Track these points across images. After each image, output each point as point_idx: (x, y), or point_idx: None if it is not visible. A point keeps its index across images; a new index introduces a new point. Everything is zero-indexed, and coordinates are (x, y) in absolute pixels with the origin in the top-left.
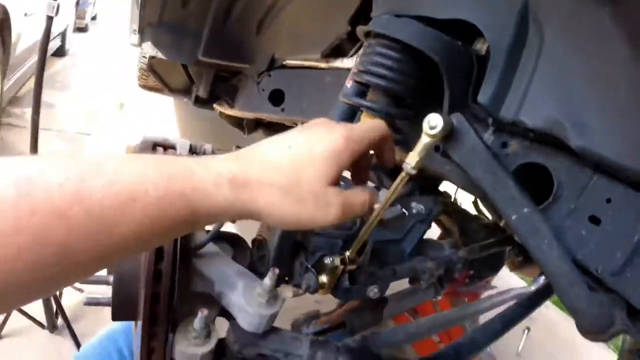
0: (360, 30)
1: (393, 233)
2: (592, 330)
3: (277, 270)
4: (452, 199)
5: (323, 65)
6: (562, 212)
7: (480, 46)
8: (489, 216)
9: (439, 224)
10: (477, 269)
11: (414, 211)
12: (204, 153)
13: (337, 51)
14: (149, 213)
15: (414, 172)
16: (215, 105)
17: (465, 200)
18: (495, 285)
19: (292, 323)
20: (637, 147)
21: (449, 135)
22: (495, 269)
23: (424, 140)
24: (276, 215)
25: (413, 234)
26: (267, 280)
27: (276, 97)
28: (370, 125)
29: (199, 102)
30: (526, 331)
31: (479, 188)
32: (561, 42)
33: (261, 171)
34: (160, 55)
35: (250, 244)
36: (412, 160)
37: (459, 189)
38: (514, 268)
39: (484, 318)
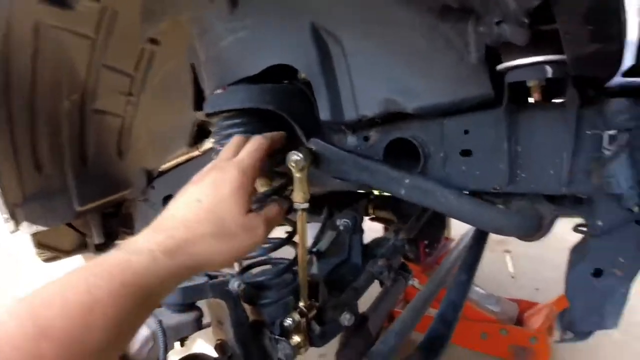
0: (201, 115)
1: (338, 257)
2: (529, 233)
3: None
4: (376, 192)
5: (196, 153)
6: (437, 164)
7: (304, 74)
8: None
9: (377, 220)
10: (428, 236)
11: (342, 228)
12: None
13: (201, 133)
14: (108, 315)
15: (306, 205)
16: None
17: None
18: (453, 237)
19: None
20: (451, 82)
21: (315, 159)
22: (442, 227)
23: (297, 176)
24: (217, 259)
25: (354, 246)
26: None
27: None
28: (252, 145)
29: (100, 248)
30: (507, 254)
31: (366, 185)
32: (357, 37)
33: (186, 230)
34: (40, 227)
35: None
36: (298, 197)
37: None
38: None
39: None
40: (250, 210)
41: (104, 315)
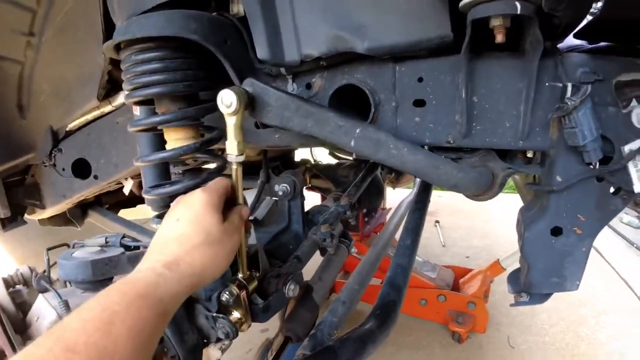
0: (108, 48)
1: (278, 224)
2: (481, 191)
3: None
4: (313, 161)
5: (108, 108)
6: (389, 114)
7: (237, 8)
8: (349, 157)
9: (315, 189)
10: (366, 204)
11: (280, 193)
12: (22, 277)
13: (113, 85)
14: (128, 325)
15: (241, 158)
16: (27, 217)
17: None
18: (390, 206)
19: None
20: (408, 20)
21: (251, 103)
22: (380, 195)
23: (229, 122)
24: (213, 266)
25: (294, 213)
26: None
27: (81, 168)
28: (216, 180)
29: (7, 224)
30: (437, 224)
31: (311, 137)
32: None
33: (178, 245)
34: None
35: None
36: (232, 149)
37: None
38: (394, 185)
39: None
40: (224, 220)
41: (124, 325)
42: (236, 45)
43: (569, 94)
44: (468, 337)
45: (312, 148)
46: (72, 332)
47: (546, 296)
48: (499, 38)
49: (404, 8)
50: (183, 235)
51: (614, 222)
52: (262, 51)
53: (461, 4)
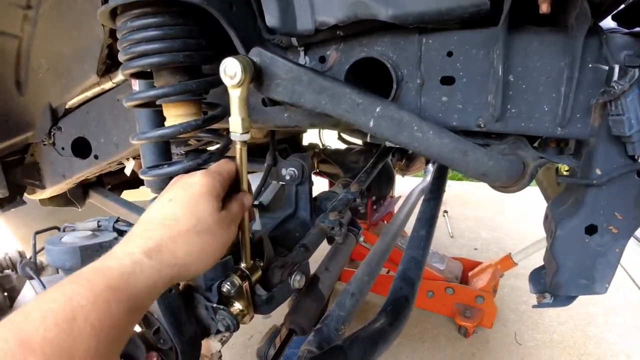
0: (103, 14)
1: (284, 210)
2: (512, 182)
3: (153, 356)
4: (321, 145)
5: (108, 84)
6: (412, 92)
7: None
8: (359, 142)
9: (323, 175)
10: (376, 192)
11: (288, 177)
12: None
13: (114, 61)
14: (92, 321)
15: (246, 137)
16: (26, 196)
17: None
18: (399, 195)
19: (257, 354)
20: None
21: (258, 76)
22: (390, 182)
23: (233, 95)
24: (200, 258)
25: (302, 199)
26: None
27: (81, 148)
28: (220, 163)
29: (6, 204)
30: (445, 215)
31: (324, 116)
32: None
33: (165, 229)
34: None
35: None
36: (236, 126)
37: (321, 131)
38: (403, 172)
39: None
40: (221, 208)
41: (88, 321)
42: (243, 12)
43: (615, 76)
44: (475, 331)
45: (321, 132)
46: (31, 324)
47: (571, 299)
48: (544, 8)
49: None
50: (171, 218)
51: None
52: (272, 19)
53: None
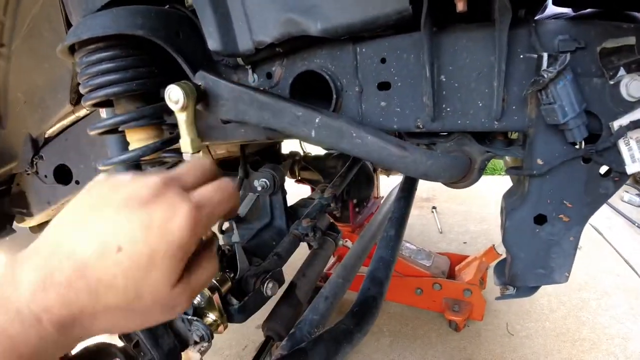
0: (62, 51)
1: (260, 220)
2: (458, 178)
3: None
4: (302, 153)
5: (82, 112)
6: (353, 100)
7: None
8: None
9: (305, 182)
10: (356, 195)
11: (260, 188)
12: None
13: None
14: None
15: (198, 156)
16: (16, 225)
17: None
18: (384, 195)
19: None
20: None
21: (204, 98)
22: (370, 184)
23: (180, 118)
24: (116, 332)
25: (276, 208)
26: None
27: (63, 175)
28: (222, 191)
29: None
30: (434, 210)
31: (271, 130)
32: None
33: (89, 297)
34: None
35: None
36: (186, 146)
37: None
38: (387, 172)
39: None
40: (179, 279)
41: None
42: (191, 39)
43: (544, 65)
44: (466, 325)
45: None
46: None
47: (534, 289)
48: (460, 6)
49: None
50: (107, 284)
51: (614, 200)
52: (213, 42)
53: None
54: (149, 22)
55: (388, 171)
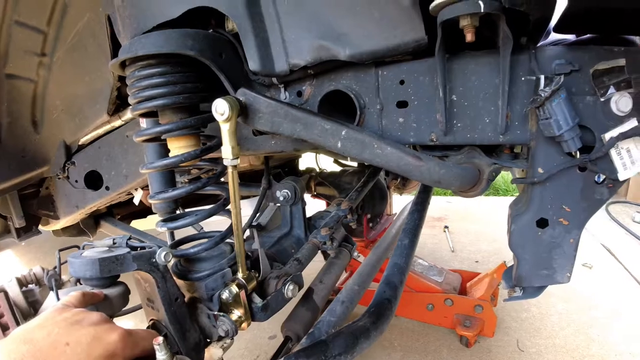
0: (114, 65)
1: (280, 229)
2: (467, 187)
3: (160, 339)
4: (318, 169)
5: (117, 122)
6: (374, 116)
7: (231, 25)
8: (353, 164)
9: (320, 197)
10: (370, 209)
11: (282, 198)
12: (35, 277)
13: (122, 100)
14: None
15: (236, 162)
16: (41, 227)
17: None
18: (397, 212)
19: None
20: (384, 27)
21: (244, 111)
22: (384, 200)
23: (224, 128)
24: None
25: (296, 218)
26: (160, 355)
27: (94, 181)
28: (149, 333)
29: (22, 234)
30: (446, 230)
31: (303, 141)
32: None
33: None
34: None
35: None
36: (227, 153)
37: (317, 155)
38: (399, 191)
39: None
40: None
41: None
42: (231, 59)
43: (542, 85)
44: (476, 341)
45: (317, 156)
46: None
47: (539, 289)
48: (469, 37)
49: (378, 16)
50: None
51: (626, 220)
52: (253, 63)
53: (430, 7)
54: (197, 44)
55: (400, 190)
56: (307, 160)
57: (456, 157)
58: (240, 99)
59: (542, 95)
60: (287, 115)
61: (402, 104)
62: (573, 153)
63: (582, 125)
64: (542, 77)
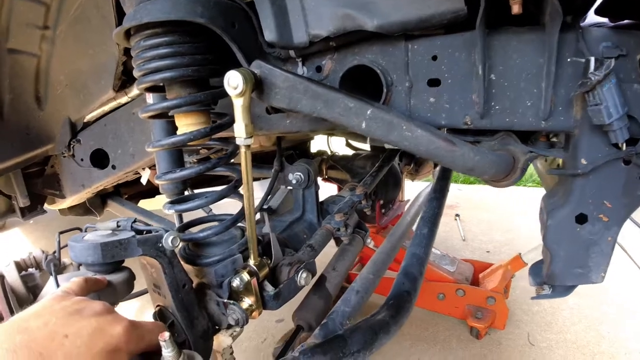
0: (118, 35)
1: (292, 213)
2: (501, 175)
3: (166, 335)
4: (329, 152)
5: (124, 99)
6: (402, 95)
7: None
8: (366, 147)
9: (331, 180)
10: (383, 195)
11: (294, 181)
12: (34, 260)
13: (129, 76)
14: None
15: (250, 141)
16: (47, 206)
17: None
18: (409, 199)
19: (273, 354)
20: None
21: (259, 86)
22: (397, 186)
23: (237, 103)
24: None
25: (309, 202)
26: (166, 352)
27: (100, 159)
28: (156, 325)
29: (26, 213)
30: (457, 218)
31: (321, 120)
32: None
33: None
34: None
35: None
36: (240, 131)
37: (329, 138)
38: (413, 177)
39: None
40: None
41: None
42: (245, 29)
43: (592, 68)
44: (487, 333)
45: (329, 139)
46: None
47: (569, 289)
48: (515, 9)
49: None
50: (47, 356)
51: (636, 215)
52: (270, 34)
53: None
54: (208, 11)
55: (413, 176)
56: (318, 143)
57: (489, 143)
58: (255, 71)
59: (593, 78)
60: (306, 90)
61: (434, 82)
62: (620, 144)
63: (629, 115)
64: (593, 59)
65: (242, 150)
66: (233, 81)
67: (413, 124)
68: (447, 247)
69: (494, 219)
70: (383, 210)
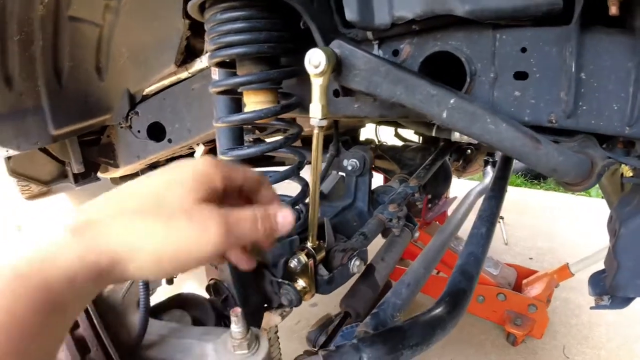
0: (193, 6)
1: (343, 200)
2: (579, 179)
3: (238, 310)
4: (377, 141)
5: (184, 74)
6: (485, 86)
7: None
8: (416, 139)
9: (378, 170)
10: (432, 190)
11: (349, 168)
12: None
13: (190, 52)
14: None
15: (324, 123)
16: (100, 174)
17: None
18: (454, 196)
19: (307, 337)
20: None
21: (338, 66)
22: (447, 181)
23: (316, 83)
24: (143, 245)
25: (361, 190)
26: (235, 327)
27: (156, 132)
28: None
29: (80, 179)
30: (501, 221)
31: (395, 107)
32: None
33: (105, 204)
34: (12, 151)
35: (206, 294)
36: (316, 111)
37: (378, 127)
38: (459, 174)
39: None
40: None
41: None
42: (322, 8)
43: None
44: (523, 341)
45: (377, 128)
46: None
47: (628, 300)
48: (613, 10)
49: None
50: (122, 196)
51: None
52: (351, 13)
53: None
54: None
55: (460, 172)
56: (366, 131)
57: (568, 145)
58: (336, 51)
59: None
60: (388, 74)
61: (520, 75)
62: None
63: None
64: None
65: (316, 131)
66: (315, 59)
67: (498, 117)
68: (489, 250)
69: (539, 224)
70: (429, 205)
